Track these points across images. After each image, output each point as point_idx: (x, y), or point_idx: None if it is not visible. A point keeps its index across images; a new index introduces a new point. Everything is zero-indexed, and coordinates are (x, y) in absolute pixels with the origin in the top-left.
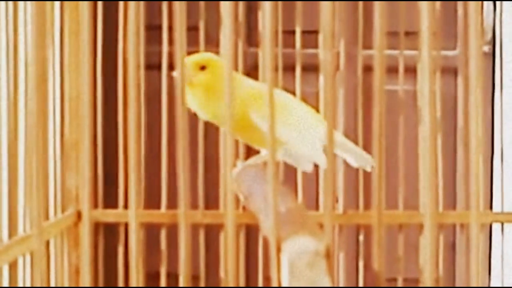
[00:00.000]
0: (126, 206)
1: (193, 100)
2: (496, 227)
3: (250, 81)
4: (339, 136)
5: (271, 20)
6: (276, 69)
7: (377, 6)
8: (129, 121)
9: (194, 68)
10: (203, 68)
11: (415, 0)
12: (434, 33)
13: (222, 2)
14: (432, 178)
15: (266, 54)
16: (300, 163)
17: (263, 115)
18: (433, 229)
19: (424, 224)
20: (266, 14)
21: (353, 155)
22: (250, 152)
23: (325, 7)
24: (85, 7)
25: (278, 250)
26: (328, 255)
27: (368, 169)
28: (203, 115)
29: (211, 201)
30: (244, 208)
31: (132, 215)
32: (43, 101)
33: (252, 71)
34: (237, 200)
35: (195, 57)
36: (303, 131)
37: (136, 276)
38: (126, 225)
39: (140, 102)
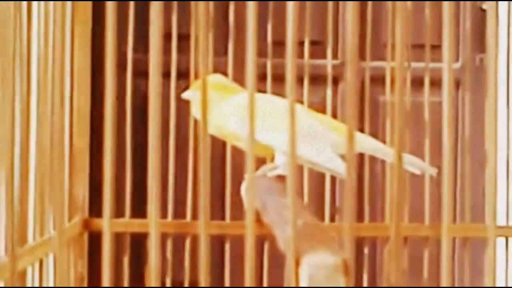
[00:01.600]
0: (132, 215)
1: (196, 111)
2: (499, 241)
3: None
4: (373, 142)
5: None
6: (282, 79)
7: (398, 20)
8: (150, 130)
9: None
10: None
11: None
12: (449, 46)
13: (247, 4)
14: (450, 192)
15: (290, 66)
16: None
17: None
18: (449, 242)
19: (441, 237)
20: (289, 25)
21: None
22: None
23: (350, 20)
24: (111, 8)
25: (297, 264)
26: (347, 271)
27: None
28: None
29: (215, 211)
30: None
31: (152, 224)
32: (61, 107)
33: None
34: (242, 210)
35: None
36: (309, 138)
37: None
38: (132, 235)
39: (159, 110)
